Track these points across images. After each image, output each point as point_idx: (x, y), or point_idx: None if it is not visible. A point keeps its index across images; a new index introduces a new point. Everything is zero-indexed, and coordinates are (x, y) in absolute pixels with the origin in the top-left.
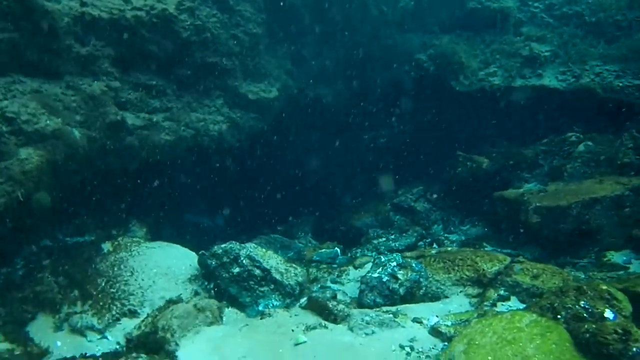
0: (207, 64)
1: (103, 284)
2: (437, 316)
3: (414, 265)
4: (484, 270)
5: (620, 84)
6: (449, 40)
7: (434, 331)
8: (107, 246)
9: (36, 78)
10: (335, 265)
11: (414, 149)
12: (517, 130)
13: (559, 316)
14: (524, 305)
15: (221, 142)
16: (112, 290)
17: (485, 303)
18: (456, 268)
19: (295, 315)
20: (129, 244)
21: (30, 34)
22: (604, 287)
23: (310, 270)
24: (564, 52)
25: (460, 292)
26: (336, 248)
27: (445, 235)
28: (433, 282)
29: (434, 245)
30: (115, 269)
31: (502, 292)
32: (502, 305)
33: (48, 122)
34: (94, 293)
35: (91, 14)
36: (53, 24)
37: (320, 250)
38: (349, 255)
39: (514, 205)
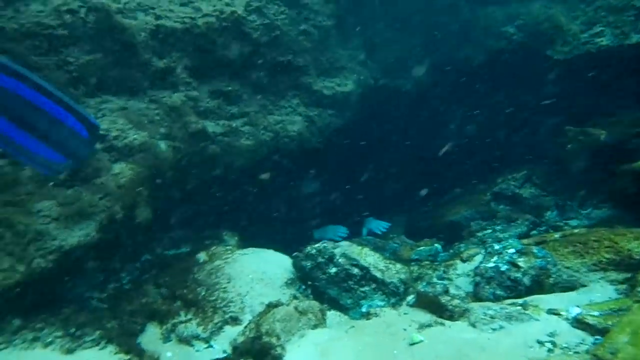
0: (278, 63)
1: (203, 293)
2: (578, 306)
3: (535, 251)
4: (629, 250)
5: None
6: (540, 6)
7: (579, 323)
8: (202, 256)
9: (121, 95)
10: (437, 262)
11: (508, 132)
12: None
13: None
14: None
15: (301, 142)
16: (212, 298)
17: (638, 289)
18: (590, 251)
19: (405, 313)
20: (223, 252)
21: (112, 53)
22: None
23: (412, 268)
24: None
25: (601, 278)
26: (436, 245)
27: (564, 221)
28: (563, 270)
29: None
30: (213, 277)
31: None
32: None
33: (135, 136)
34: (195, 302)
35: (165, 26)
36: (132, 40)
37: (418, 249)
38: (451, 251)
39: None
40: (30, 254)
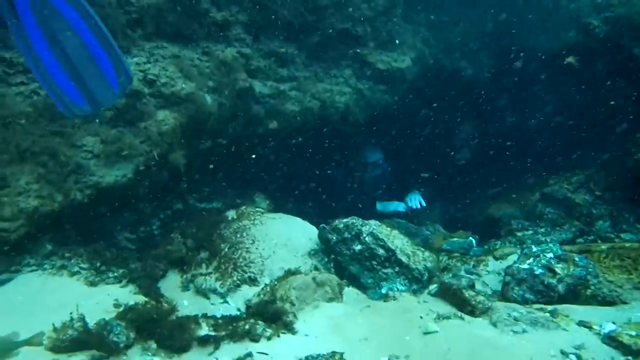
0: (338, 30)
1: (226, 250)
2: (613, 322)
3: (577, 259)
4: None
5: None
6: None
7: (611, 340)
8: (231, 214)
9: (176, 43)
10: (470, 256)
11: (572, 133)
12: None
13: None
14: None
15: (346, 115)
16: (234, 256)
17: None
18: (639, 268)
19: (424, 302)
20: (252, 213)
21: None
22: None
23: (441, 258)
24: None
25: None
26: (471, 238)
27: (616, 233)
28: (604, 283)
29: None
30: (238, 235)
31: None
32: None
33: (184, 85)
34: (218, 257)
35: None
36: None
37: (452, 239)
38: (486, 247)
39: None
40: (69, 185)
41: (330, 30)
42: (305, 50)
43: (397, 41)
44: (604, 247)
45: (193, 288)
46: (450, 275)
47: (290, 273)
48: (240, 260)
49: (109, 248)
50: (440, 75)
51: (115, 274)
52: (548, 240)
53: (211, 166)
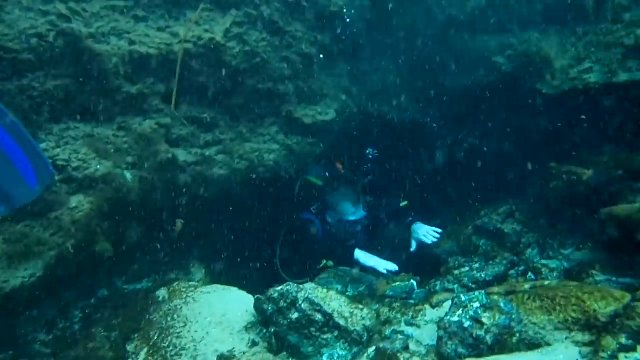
0: (259, 90)
1: (155, 338)
2: None
3: (502, 305)
4: (594, 311)
5: None
6: (531, 37)
7: None
8: (162, 293)
9: (89, 122)
10: (412, 301)
11: (494, 164)
12: (621, 135)
13: None
14: None
15: (277, 171)
16: (164, 345)
17: (602, 354)
18: (558, 308)
19: None
20: (184, 290)
21: (81, 79)
22: None
23: (382, 310)
24: None
25: (567, 338)
26: (412, 281)
27: (543, 262)
28: (529, 326)
29: (529, 275)
30: (169, 319)
31: (624, 341)
32: (626, 357)
33: (98, 166)
34: (146, 349)
35: (139, 52)
36: (102, 65)
37: (394, 284)
38: (428, 288)
39: (629, 223)
40: None
41: (252, 91)
42: (228, 113)
43: (319, 95)
44: (527, 286)
45: None
46: (391, 330)
47: (222, 358)
48: (171, 348)
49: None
50: (366, 121)
51: None
52: (483, 276)
53: (139, 243)
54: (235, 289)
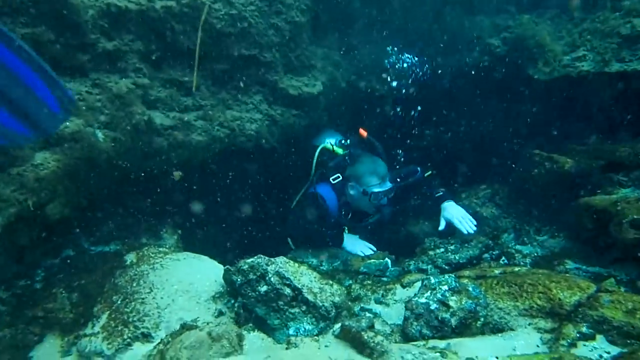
0: (244, 57)
1: (119, 302)
2: (496, 357)
3: (470, 289)
4: (560, 299)
5: None
6: (528, 21)
7: None
8: (131, 257)
9: (60, 76)
10: (385, 279)
11: (481, 146)
12: (609, 125)
13: None
14: (615, 350)
15: (259, 142)
16: (126, 309)
17: (561, 342)
18: (524, 295)
19: (326, 346)
20: (153, 256)
21: (54, 29)
22: None
23: (354, 286)
24: None
25: (529, 324)
26: (387, 259)
27: (517, 247)
28: (495, 311)
29: (503, 259)
30: (134, 284)
31: (584, 329)
32: (585, 345)
33: (67, 123)
34: (108, 313)
35: (117, 6)
36: (77, 17)
37: (369, 261)
38: (402, 268)
39: (604, 215)
40: None
41: (237, 57)
42: (211, 78)
43: (307, 66)
44: (497, 271)
45: (76, 352)
46: (359, 307)
47: (185, 327)
48: (133, 314)
49: None
50: (355, 96)
51: None
52: (457, 258)
53: (109, 205)
54: (206, 257)
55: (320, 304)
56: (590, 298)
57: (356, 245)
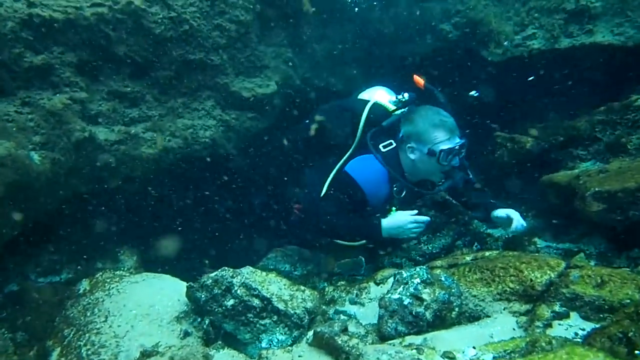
0: (189, 61)
1: (71, 336)
2: (474, 347)
3: (443, 279)
4: (531, 280)
5: None
6: (476, 3)
7: None
8: (84, 285)
9: None
10: (360, 277)
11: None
12: (568, 101)
13: (637, 351)
14: (589, 326)
15: (215, 149)
16: (80, 343)
17: (536, 323)
18: (497, 279)
19: (299, 356)
20: (108, 281)
21: None
22: None
23: (328, 289)
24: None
25: (505, 309)
26: (360, 257)
27: (488, 231)
28: (470, 299)
29: (475, 245)
30: (88, 313)
31: (557, 308)
32: (560, 325)
33: None
34: (59, 349)
35: (41, 16)
36: None
37: (342, 261)
38: (376, 264)
39: (568, 190)
40: None
41: (182, 62)
42: (157, 86)
43: (258, 66)
44: (468, 258)
45: None
46: (333, 310)
47: (145, 355)
48: (88, 347)
49: None
50: (310, 94)
51: None
52: (431, 248)
53: (56, 230)
54: (168, 276)
55: (292, 312)
56: (561, 275)
57: (400, 223)
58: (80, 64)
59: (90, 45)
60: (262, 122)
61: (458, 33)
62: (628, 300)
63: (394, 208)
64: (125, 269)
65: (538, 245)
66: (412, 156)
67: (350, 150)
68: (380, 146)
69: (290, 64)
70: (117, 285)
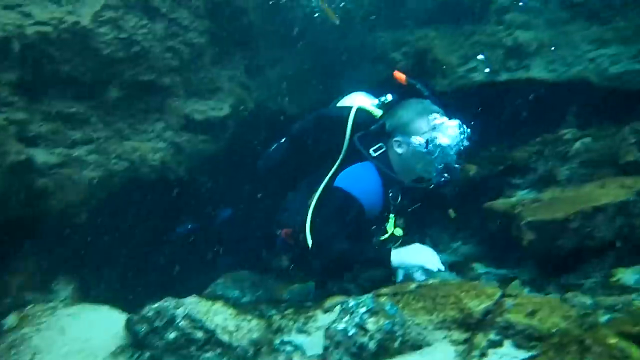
0: (140, 83)
1: None
2: None
3: (387, 308)
4: (469, 309)
5: (617, 71)
6: (424, 35)
7: None
8: (11, 320)
9: None
10: (309, 304)
11: None
12: (508, 131)
13: None
14: (521, 354)
15: (165, 172)
16: None
17: (473, 353)
18: (438, 307)
19: None
20: (38, 315)
21: None
22: (613, 341)
23: (275, 317)
24: (552, 39)
25: (444, 338)
26: (310, 282)
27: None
28: (413, 327)
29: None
30: (13, 352)
31: (492, 337)
32: (494, 353)
33: None
34: None
35: None
36: None
37: (292, 287)
38: (326, 290)
39: (505, 218)
40: None
41: (132, 83)
42: (102, 107)
43: (212, 89)
44: (412, 286)
45: None
46: (279, 340)
47: None
48: None
49: None
50: (264, 117)
51: None
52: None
53: None
54: (106, 307)
55: (237, 344)
56: (497, 304)
57: (421, 254)
58: (19, 83)
59: (32, 64)
60: (216, 145)
61: (407, 63)
62: (555, 330)
63: (392, 215)
64: (60, 299)
65: (479, 271)
66: (399, 150)
67: (339, 160)
68: (371, 151)
69: (245, 87)
70: (47, 319)
